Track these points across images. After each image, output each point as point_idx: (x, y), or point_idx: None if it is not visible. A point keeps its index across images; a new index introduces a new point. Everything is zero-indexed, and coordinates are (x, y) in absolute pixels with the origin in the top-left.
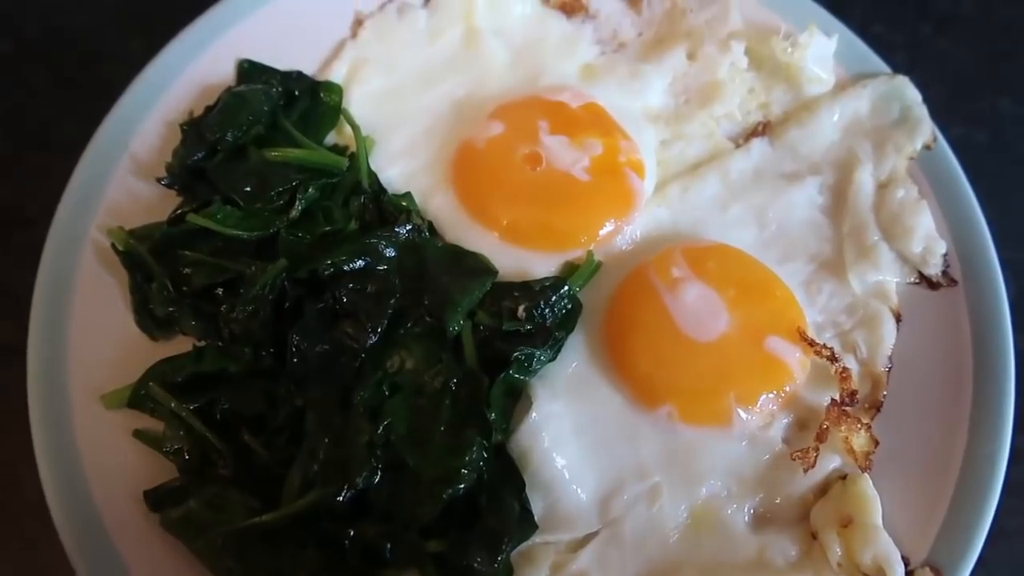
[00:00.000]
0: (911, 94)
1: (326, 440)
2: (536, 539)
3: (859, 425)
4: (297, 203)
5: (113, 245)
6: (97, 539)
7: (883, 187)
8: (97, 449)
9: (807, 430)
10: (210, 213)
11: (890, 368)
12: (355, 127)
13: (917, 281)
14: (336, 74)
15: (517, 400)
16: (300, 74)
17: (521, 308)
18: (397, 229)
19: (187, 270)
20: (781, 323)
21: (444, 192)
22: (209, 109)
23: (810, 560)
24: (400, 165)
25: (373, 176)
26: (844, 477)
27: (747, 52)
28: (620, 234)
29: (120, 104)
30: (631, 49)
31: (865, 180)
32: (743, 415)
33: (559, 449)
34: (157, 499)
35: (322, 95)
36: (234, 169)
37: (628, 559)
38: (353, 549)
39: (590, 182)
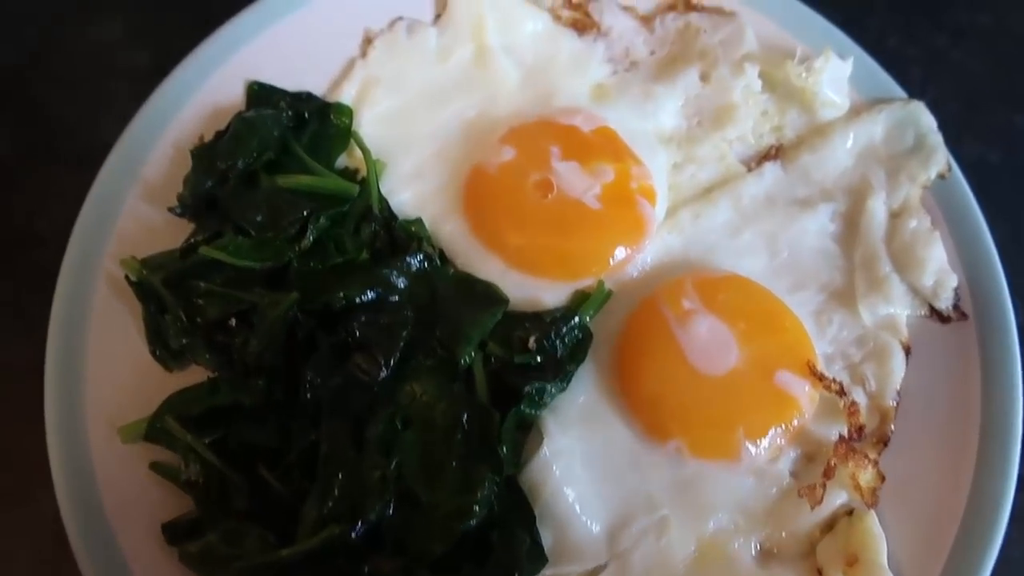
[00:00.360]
0: (926, 121)
1: (340, 476)
2: (546, 572)
3: (866, 461)
4: (309, 233)
5: (126, 276)
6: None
7: (896, 216)
8: (115, 480)
9: (814, 463)
10: (222, 245)
11: (898, 402)
12: (366, 151)
13: (928, 314)
14: (346, 95)
15: (528, 432)
16: (310, 95)
17: (532, 339)
18: (409, 259)
19: (200, 301)
20: (791, 357)
21: (455, 218)
22: (219, 134)
23: None
24: (411, 190)
25: (384, 202)
26: (851, 512)
27: (761, 75)
28: (631, 262)
29: (130, 129)
30: (643, 68)
31: (878, 209)
32: (752, 449)
33: (570, 482)
34: (175, 533)
35: (332, 117)
36: (245, 197)
37: None
38: None
39: (602, 210)
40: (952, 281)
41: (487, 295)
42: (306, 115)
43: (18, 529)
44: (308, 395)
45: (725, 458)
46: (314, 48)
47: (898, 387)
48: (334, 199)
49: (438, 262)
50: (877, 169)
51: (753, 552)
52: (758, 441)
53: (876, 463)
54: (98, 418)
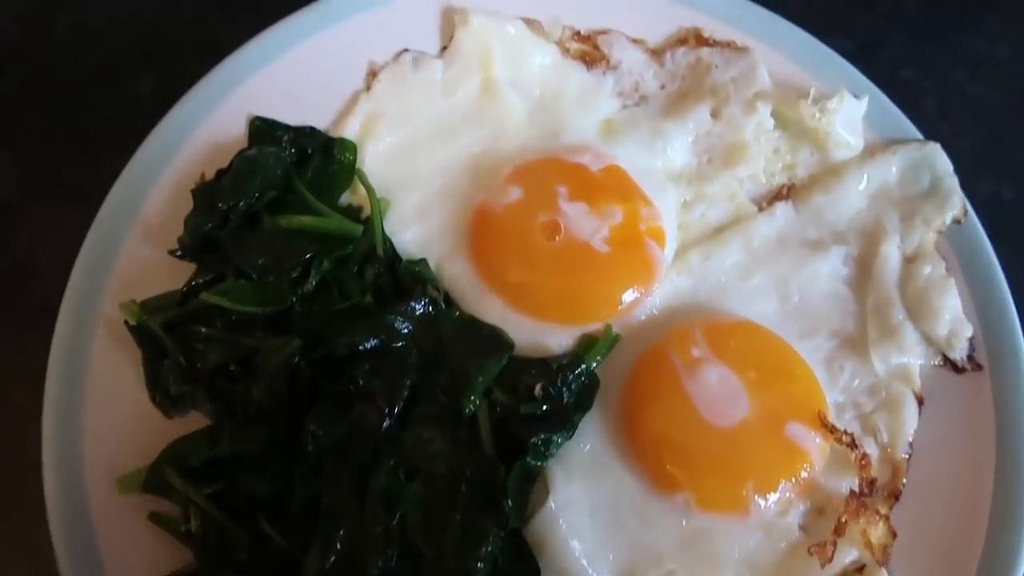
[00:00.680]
0: (942, 163)
1: (341, 531)
2: None
3: (878, 517)
4: (312, 277)
5: (125, 320)
6: None
7: (910, 261)
8: (113, 531)
9: (824, 516)
10: (222, 290)
11: (910, 454)
12: (370, 190)
13: (941, 364)
14: (350, 130)
15: (533, 482)
16: (313, 130)
17: (538, 387)
18: (413, 304)
19: (200, 346)
20: (802, 408)
21: (460, 259)
22: (221, 172)
23: None
24: (415, 228)
25: (388, 242)
26: (861, 569)
27: (773, 113)
28: (639, 305)
29: (130, 167)
30: (653, 103)
31: (891, 253)
32: (761, 503)
33: (576, 535)
34: None
35: (336, 153)
36: (247, 239)
37: None
38: None
39: (610, 253)
40: (967, 331)
41: (492, 339)
42: (309, 151)
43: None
44: (310, 447)
45: (734, 512)
46: (318, 82)
47: (910, 439)
48: (338, 240)
49: (443, 305)
50: (891, 212)
51: None
52: (767, 495)
53: (887, 518)
54: (97, 465)
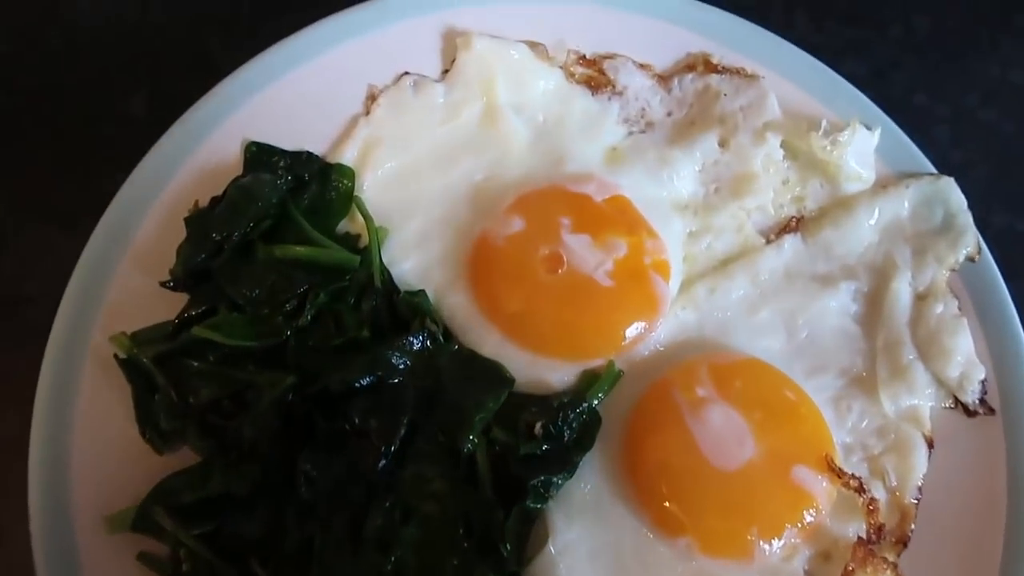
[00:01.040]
0: (956, 199)
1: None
2: None
3: (885, 565)
4: (307, 310)
5: (115, 354)
6: None
7: (921, 299)
8: (101, 570)
9: (830, 562)
10: (215, 324)
11: (919, 499)
12: (368, 218)
13: (952, 406)
14: (348, 155)
15: (532, 524)
16: (310, 155)
17: (539, 425)
18: (411, 338)
19: (192, 381)
20: (809, 450)
21: (460, 291)
22: (215, 200)
23: None
24: (414, 258)
25: (386, 272)
26: None
27: (783, 144)
28: (643, 341)
29: (122, 193)
30: (659, 130)
31: (903, 290)
32: (765, 548)
33: None
34: None
35: (333, 179)
36: (241, 271)
37: None
38: None
39: (613, 287)
40: (979, 373)
41: (492, 375)
42: (306, 177)
43: None
44: (303, 488)
45: (737, 557)
46: (316, 106)
47: (919, 483)
48: (334, 271)
49: (441, 339)
50: (903, 247)
51: None
52: (772, 540)
53: (895, 566)
54: (84, 503)
